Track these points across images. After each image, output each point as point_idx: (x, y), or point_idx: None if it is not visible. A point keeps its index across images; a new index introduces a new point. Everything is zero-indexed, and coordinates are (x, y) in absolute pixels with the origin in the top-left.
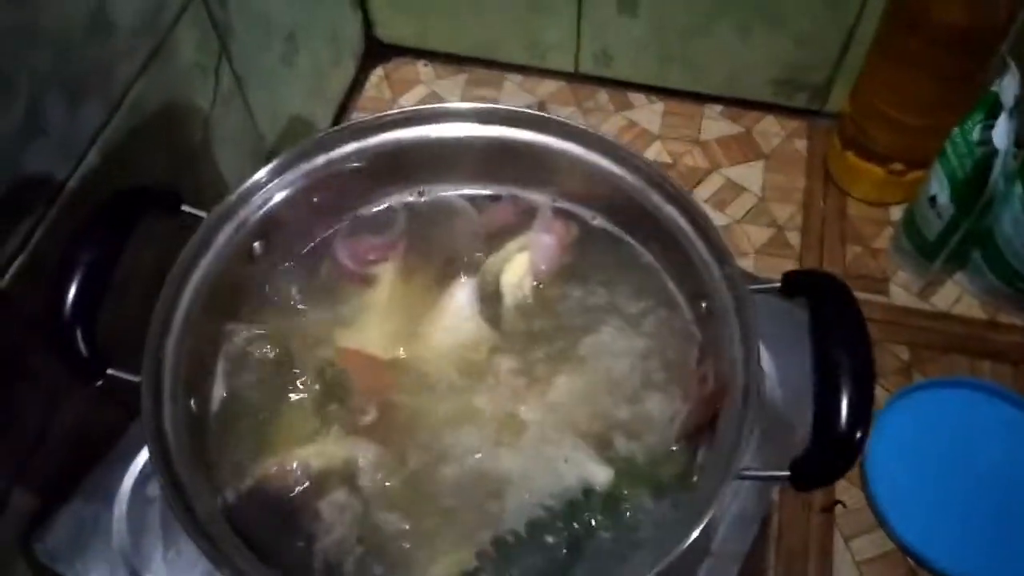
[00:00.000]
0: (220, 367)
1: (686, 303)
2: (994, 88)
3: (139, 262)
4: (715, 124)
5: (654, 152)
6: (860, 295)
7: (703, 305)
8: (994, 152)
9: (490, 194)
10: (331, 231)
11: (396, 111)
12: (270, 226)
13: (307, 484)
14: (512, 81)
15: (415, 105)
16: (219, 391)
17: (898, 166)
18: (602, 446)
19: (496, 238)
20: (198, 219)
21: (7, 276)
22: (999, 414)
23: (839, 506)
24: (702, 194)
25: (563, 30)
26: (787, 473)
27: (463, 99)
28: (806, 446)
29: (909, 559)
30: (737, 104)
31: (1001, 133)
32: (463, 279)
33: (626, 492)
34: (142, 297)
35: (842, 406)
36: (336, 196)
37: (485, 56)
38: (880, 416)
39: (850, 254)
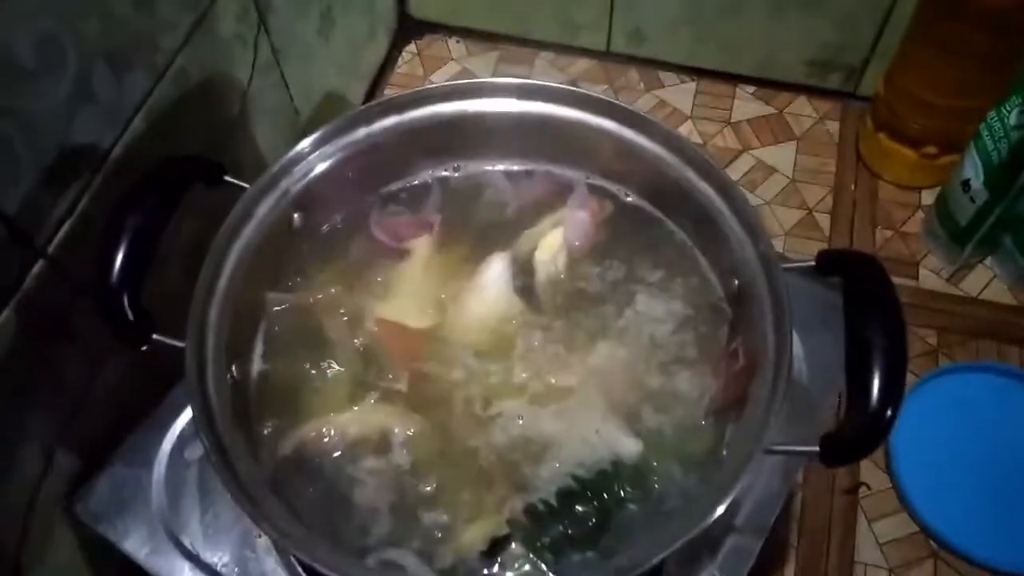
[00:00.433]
0: (260, 334)
1: (718, 280)
2: None
3: (180, 234)
4: (747, 105)
5: (685, 132)
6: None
7: (735, 282)
8: None
9: (525, 169)
10: (369, 203)
11: (436, 85)
12: (310, 198)
13: (343, 450)
14: (544, 59)
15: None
16: (259, 357)
17: (931, 149)
18: (632, 419)
19: (530, 213)
20: (240, 189)
21: (55, 242)
22: None
23: (863, 488)
24: (733, 175)
25: (596, 8)
26: (816, 449)
27: (494, 76)
28: (837, 422)
29: (932, 542)
30: (769, 85)
31: None
32: (497, 253)
33: (655, 465)
34: (182, 268)
35: (874, 384)
36: (374, 169)
37: (517, 34)
38: (906, 399)
39: (880, 238)
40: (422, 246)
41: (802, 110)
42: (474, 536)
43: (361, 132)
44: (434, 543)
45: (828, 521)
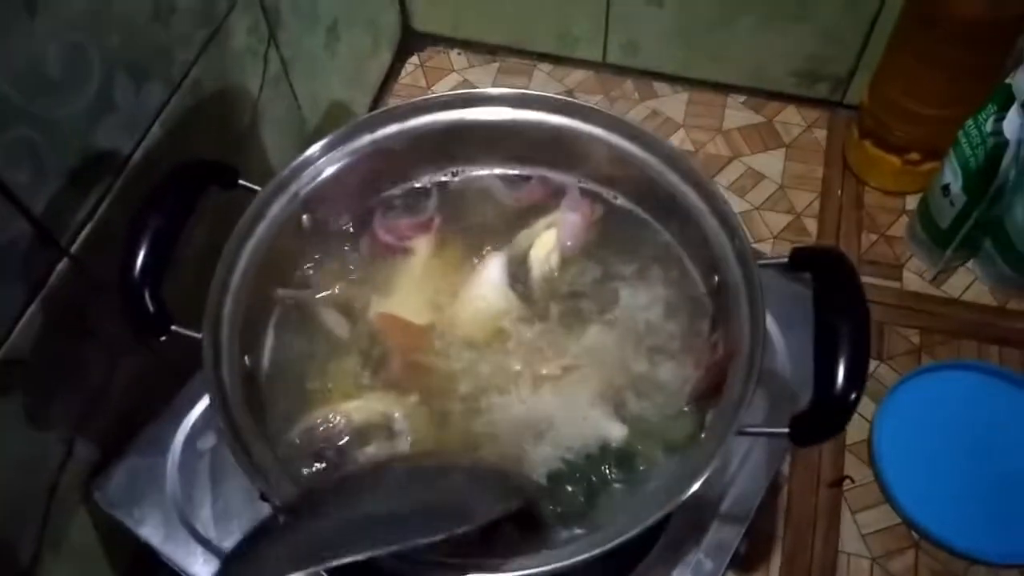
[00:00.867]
0: (271, 327)
1: (699, 276)
2: (1008, 81)
3: (195, 236)
4: (737, 114)
5: (678, 140)
6: (874, 280)
7: (715, 278)
8: (1006, 143)
9: (519, 174)
10: (373, 206)
11: (435, 95)
12: (318, 200)
13: (349, 436)
14: (542, 70)
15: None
16: (270, 348)
17: (914, 156)
18: (618, 406)
19: (525, 216)
20: (252, 192)
21: (77, 242)
22: (1005, 396)
23: (847, 481)
24: (723, 181)
25: (592, 21)
26: (787, 430)
27: (494, 87)
28: (803, 399)
29: (913, 532)
30: (759, 95)
31: (1012, 124)
32: (494, 253)
33: (639, 449)
34: (198, 267)
35: (839, 369)
36: (378, 174)
37: (516, 46)
38: (889, 396)
39: (866, 241)
40: (422, 246)
41: (791, 119)
42: None
43: (366, 139)
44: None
45: (813, 513)
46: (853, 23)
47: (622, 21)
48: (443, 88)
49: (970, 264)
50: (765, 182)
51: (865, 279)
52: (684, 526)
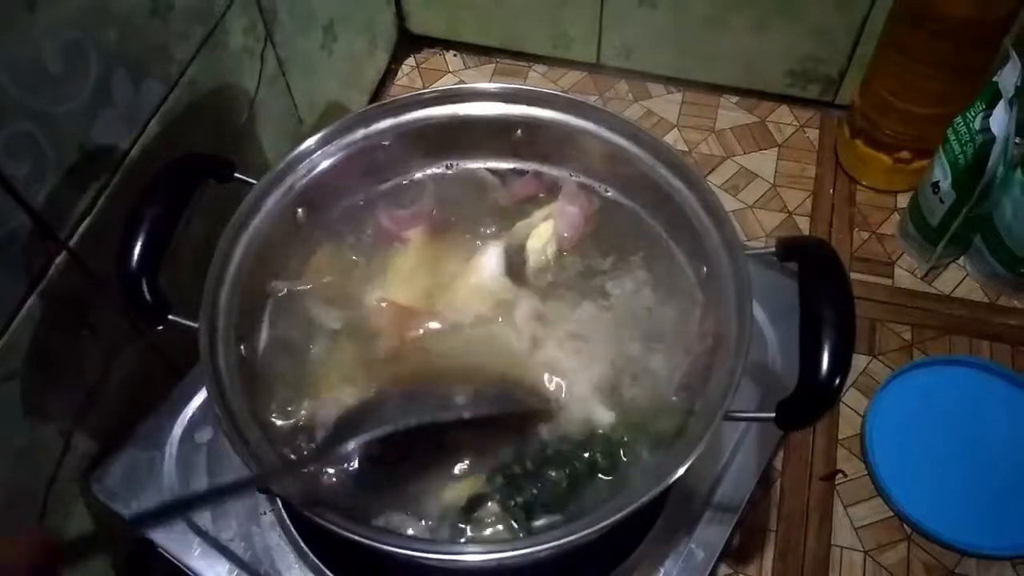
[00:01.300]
0: (266, 318)
1: (689, 267)
2: (995, 79)
3: (192, 229)
4: (730, 114)
5: (671, 140)
6: (866, 277)
7: (704, 269)
8: (993, 140)
9: (513, 167)
10: (367, 199)
11: (428, 90)
12: (313, 193)
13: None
14: (537, 71)
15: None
16: (266, 339)
17: (905, 155)
18: (608, 392)
19: (520, 208)
20: (248, 186)
21: (76, 236)
22: (996, 391)
23: (840, 475)
24: (716, 180)
25: (586, 23)
26: (772, 415)
27: None
28: (790, 387)
29: (905, 525)
30: (752, 95)
31: (999, 121)
32: (491, 242)
33: (628, 435)
34: (194, 260)
35: (823, 356)
36: (373, 167)
37: (511, 47)
38: (881, 391)
39: (857, 239)
40: (417, 237)
41: (783, 119)
42: (455, 494)
43: (360, 133)
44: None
45: (806, 507)
46: (844, 24)
47: (616, 23)
48: None
49: (961, 261)
50: (758, 181)
51: (857, 276)
52: (676, 516)
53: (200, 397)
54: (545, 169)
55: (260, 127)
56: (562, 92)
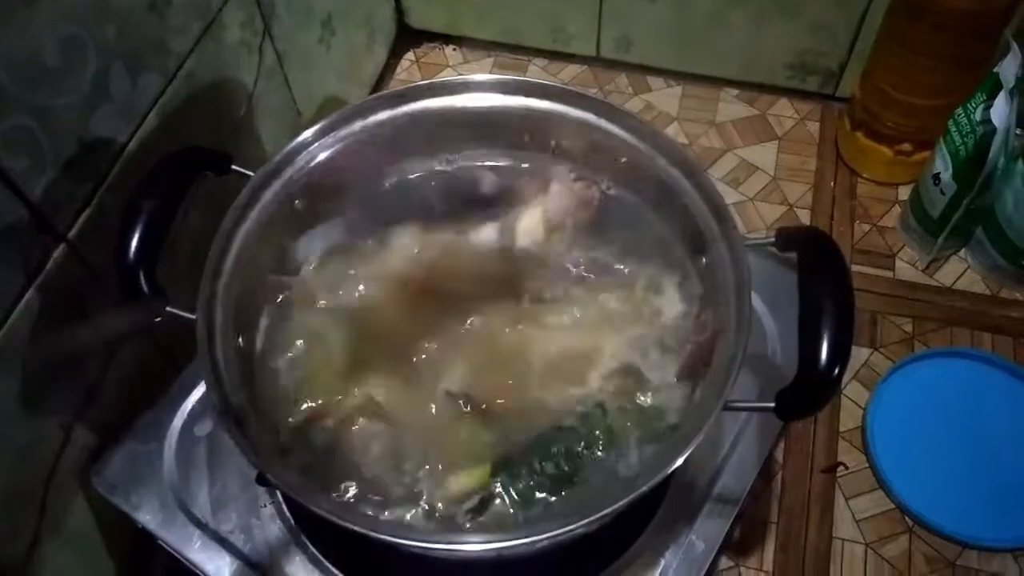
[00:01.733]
0: (265, 310)
1: (688, 258)
2: (996, 70)
3: (190, 222)
4: (731, 107)
5: (672, 133)
6: (867, 270)
7: (703, 259)
8: (994, 131)
9: (512, 159)
10: (365, 191)
11: (427, 81)
12: (311, 185)
13: (342, 415)
14: (536, 65)
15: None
16: (264, 331)
17: (906, 147)
18: (607, 380)
19: (518, 197)
20: (245, 179)
21: (74, 229)
22: (997, 383)
23: (841, 467)
24: (717, 173)
25: (586, 16)
26: (772, 404)
27: None
28: (791, 379)
29: (906, 518)
30: (752, 88)
31: (1000, 112)
32: (487, 224)
33: (626, 425)
34: (192, 252)
35: (823, 346)
36: (371, 159)
37: (511, 41)
38: (882, 383)
39: (858, 231)
40: (415, 231)
41: (783, 111)
42: (458, 485)
43: (358, 125)
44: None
45: (807, 499)
46: (844, 16)
47: (615, 16)
48: None
49: (962, 253)
50: (758, 174)
51: (858, 269)
52: (677, 508)
53: (199, 390)
54: (543, 160)
55: (258, 121)
56: (561, 84)
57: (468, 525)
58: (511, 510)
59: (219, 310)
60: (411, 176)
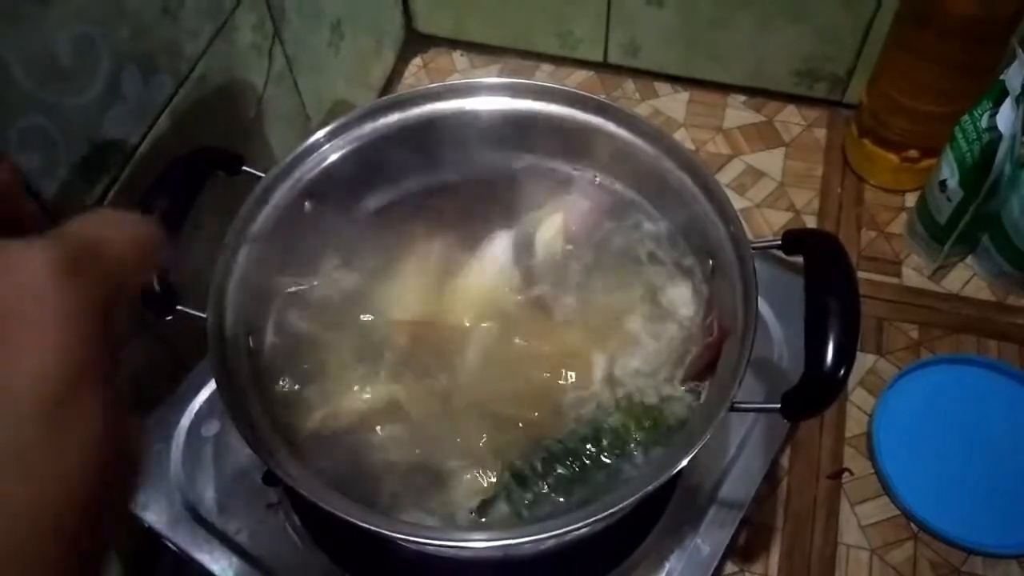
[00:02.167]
0: (275, 311)
1: (696, 261)
2: (1002, 76)
3: (201, 223)
4: (738, 113)
5: (678, 138)
6: (874, 276)
7: (710, 262)
8: (1001, 137)
9: (522, 161)
10: (376, 193)
11: (438, 84)
12: (321, 186)
13: (353, 421)
14: (544, 71)
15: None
16: (274, 331)
17: (913, 153)
18: (613, 386)
19: (530, 201)
20: (257, 179)
21: None
22: (1003, 390)
23: (846, 473)
24: (723, 179)
25: (593, 21)
26: (778, 405)
27: None
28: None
29: (912, 524)
30: (759, 94)
31: (1006, 119)
32: (500, 232)
33: (634, 428)
34: (203, 253)
35: (829, 346)
36: (382, 161)
37: (518, 47)
38: (888, 390)
39: (865, 238)
40: (428, 234)
41: (790, 118)
42: (464, 491)
43: (368, 127)
44: (432, 496)
45: (812, 505)
46: (851, 23)
47: (623, 22)
48: None
49: (969, 260)
50: (765, 180)
51: (864, 275)
52: (682, 512)
53: (207, 390)
54: (552, 163)
55: (268, 124)
56: (570, 88)
57: (475, 525)
58: (517, 511)
59: (229, 309)
60: (421, 178)
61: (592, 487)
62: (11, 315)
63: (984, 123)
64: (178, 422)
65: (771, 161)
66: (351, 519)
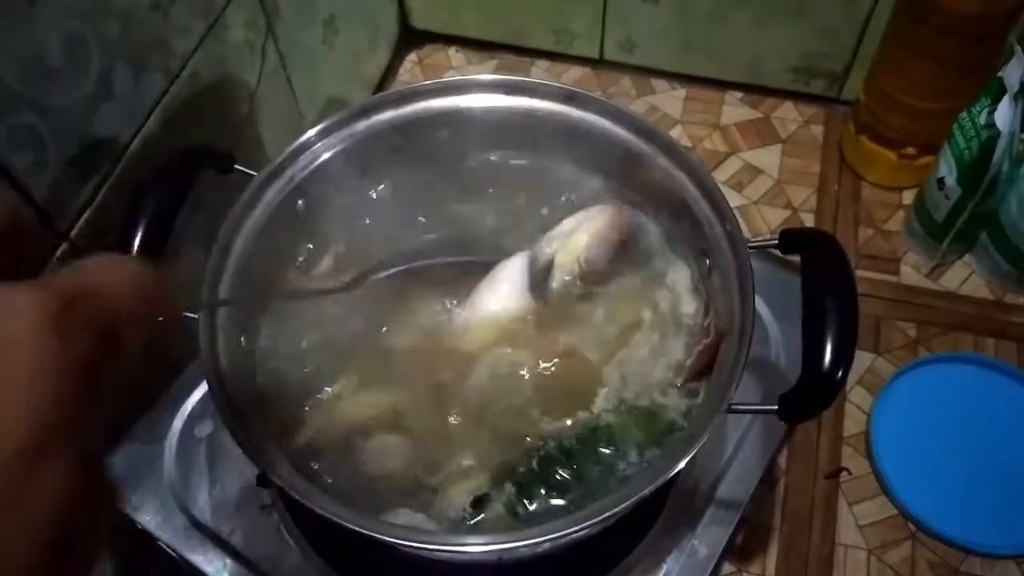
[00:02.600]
0: (268, 312)
1: (694, 262)
2: (1000, 74)
3: (193, 222)
4: (735, 110)
5: (675, 136)
6: (871, 274)
7: (707, 262)
8: (999, 135)
9: (518, 163)
10: (369, 193)
11: (430, 82)
12: (314, 185)
13: (349, 427)
14: (539, 67)
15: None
16: (267, 333)
17: (910, 150)
18: (611, 389)
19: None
20: (248, 178)
21: (76, 228)
22: (1001, 389)
23: (844, 473)
24: (720, 177)
25: (589, 18)
26: (775, 407)
27: None
28: (794, 383)
29: (910, 524)
30: (756, 91)
31: (1004, 116)
32: (518, 253)
33: (632, 431)
34: (195, 252)
35: (827, 347)
36: (375, 160)
37: (514, 43)
38: (885, 389)
39: (862, 236)
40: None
41: (787, 115)
42: (458, 493)
43: (361, 125)
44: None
45: (810, 505)
46: (848, 19)
47: (619, 18)
48: None
49: (966, 258)
50: (762, 177)
51: (862, 273)
52: (679, 512)
53: (200, 391)
54: (548, 162)
55: (261, 121)
56: (565, 85)
57: (470, 528)
58: (514, 514)
59: (221, 309)
60: (417, 178)
61: (588, 489)
62: None
63: (982, 120)
64: (171, 423)
65: (768, 158)
66: (345, 523)
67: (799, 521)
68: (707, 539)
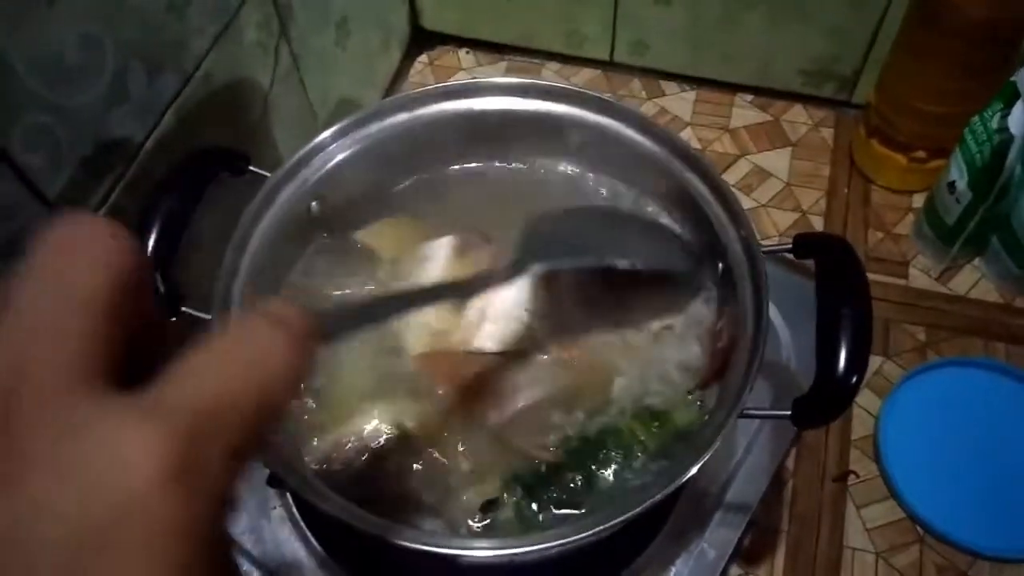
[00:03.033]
0: None
1: (706, 265)
2: (1013, 78)
3: (207, 223)
4: (745, 112)
5: (684, 138)
6: (880, 278)
7: (720, 266)
8: (1011, 139)
9: (529, 166)
10: (383, 195)
11: (446, 84)
12: (328, 187)
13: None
14: (550, 69)
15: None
16: None
17: (920, 154)
18: (623, 392)
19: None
20: (263, 179)
21: None
22: (1010, 393)
23: (852, 476)
24: (730, 179)
25: (600, 20)
26: (788, 412)
27: None
28: (807, 389)
29: (918, 527)
30: (767, 93)
31: (1017, 120)
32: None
33: (642, 436)
34: (209, 253)
35: (841, 353)
36: (389, 162)
37: (524, 45)
38: (894, 392)
39: (872, 239)
40: (442, 246)
41: (798, 117)
42: (474, 495)
43: (374, 127)
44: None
45: (818, 508)
46: (860, 22)
47: (630, 20)
48: None
49: (976, 262)
50: (772, 180)
51: (871, 276)
52: (688, 515)
53: None
54: (559, 163)
55: (274, 122)
56: (577, 87)
57: (481, 532)
58: (525, 519)
59: (235, 310)
60: (428, 179)
61: (599, 493)
62: (106, 530)
63: (994, 124)
64: None
65: (778, 161)
66: (357, 525)
67: (807, 524)
68: (716, 541)
